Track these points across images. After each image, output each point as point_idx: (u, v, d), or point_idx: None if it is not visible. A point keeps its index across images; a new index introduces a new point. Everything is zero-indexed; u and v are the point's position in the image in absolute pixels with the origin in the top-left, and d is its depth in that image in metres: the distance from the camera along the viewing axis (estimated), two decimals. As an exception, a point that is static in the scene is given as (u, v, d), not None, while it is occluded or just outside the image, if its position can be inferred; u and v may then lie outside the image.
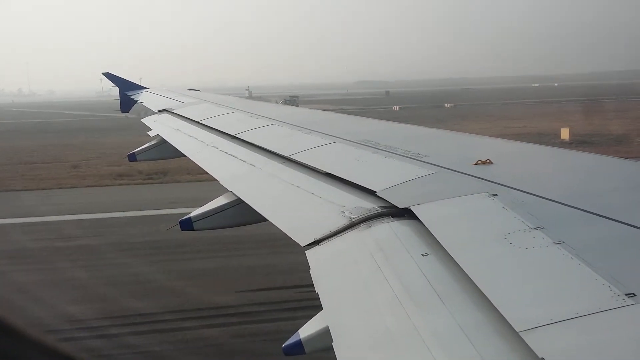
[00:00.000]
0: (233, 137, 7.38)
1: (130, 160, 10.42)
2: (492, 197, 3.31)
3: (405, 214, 3.45)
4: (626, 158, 4.30)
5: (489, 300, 2.23)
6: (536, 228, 2.76)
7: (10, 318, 1.33)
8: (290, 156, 5.57)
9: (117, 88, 17.11)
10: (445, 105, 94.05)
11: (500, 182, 3.56)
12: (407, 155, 4.70)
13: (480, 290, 2.32)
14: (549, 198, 3.18)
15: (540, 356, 1.84)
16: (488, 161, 4.10)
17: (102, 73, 18.50)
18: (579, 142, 40.44)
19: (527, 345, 1.91)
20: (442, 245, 2.83)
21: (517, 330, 1.99)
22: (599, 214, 2.86)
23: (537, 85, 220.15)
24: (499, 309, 2.14)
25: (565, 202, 3.07)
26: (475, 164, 4.08)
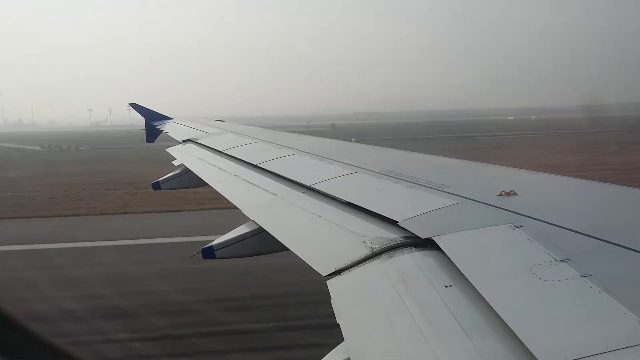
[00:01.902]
0: (255, 167, 7.44)
1: (154, 189, 10.56)
2: (517, 229, 3.26)
3: (427, 244, 3.41)
4: None
5: (515, 334, 2.17)
6: (562, 260, 2.71)
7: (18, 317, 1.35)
8: (312, 186, 5.59)
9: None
10: (351, 139, 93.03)
11: (525, 214, 3.51)
12: (430, 186, 4.67)
13: (506, 324, 2.27)
14: (575, 230, 3.12)
15: None
16: (512, 192, 4.06)
17: (129, 104, 18.71)
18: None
19: None
20: (465, 277, 2.78)
21: None
22: (627, 246, 2.79)
23: (512, 118, 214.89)
24: (525, 343, 2.09)
25: (592, 234, 3.01)
26: (499, 195, 4.04)
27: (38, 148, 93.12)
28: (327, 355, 2.76)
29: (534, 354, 2.01)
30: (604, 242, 2.89)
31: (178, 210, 30.57)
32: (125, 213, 31.52)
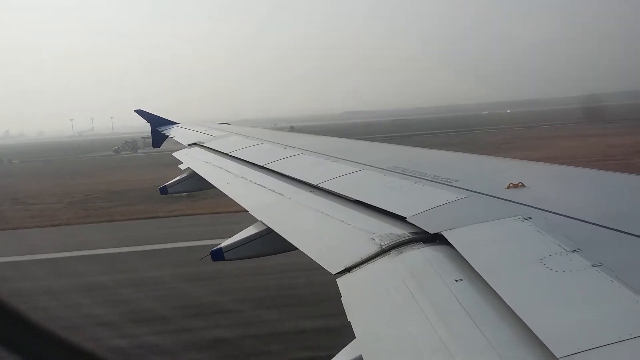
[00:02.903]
0: (262, 168, 7.45)
1: (161, 193, 10.59)
2: (526, 221, 3.24)
3: (436, 239, 3.40)
4: None
5: (527, 326, 2.16)
6: (573, 251, 2.69)
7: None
8: (319, 184, 5.59)
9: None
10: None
11: (534, 205, 3.49)
12: (437, 180, 4.66)
13: (518, 316, 2.25)
14: (585, 220, 3.10)
15: None
16: (520, 184, 4.04)
17: (134, 110, 18.67)
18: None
19: None
20: (476, 271, 2.77)
21: (557, 357, 1.92)
22: (638, 234, 2.77)
23: (487, 112, 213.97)
24: (537, 335, 2.08)
25: (602, 224, 2.99)
26: (507, 188, 4.02)
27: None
28: (339, 353, 2.75)
29: (547, 345, 2.00)
30: (615, 231, 2.86)
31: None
32: None
